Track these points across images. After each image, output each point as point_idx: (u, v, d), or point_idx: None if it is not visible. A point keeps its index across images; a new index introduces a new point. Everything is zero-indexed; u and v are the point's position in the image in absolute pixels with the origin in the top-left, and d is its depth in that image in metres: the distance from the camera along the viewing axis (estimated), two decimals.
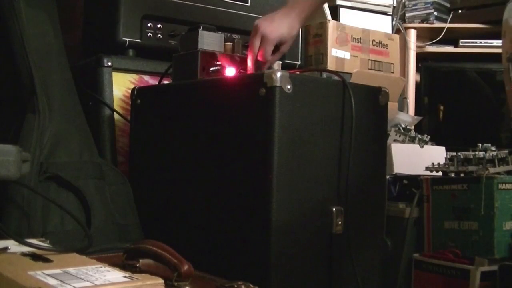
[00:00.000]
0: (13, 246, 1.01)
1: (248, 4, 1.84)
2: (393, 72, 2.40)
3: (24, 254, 0.95)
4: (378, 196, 1.30)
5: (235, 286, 0.92)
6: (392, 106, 2.14)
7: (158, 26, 1.67)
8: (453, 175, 1.53)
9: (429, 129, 2.75)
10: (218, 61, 1.34)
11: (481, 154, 1.50)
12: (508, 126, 2.80)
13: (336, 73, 1.63)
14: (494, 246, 1.40)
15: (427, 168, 1.61)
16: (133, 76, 1.64)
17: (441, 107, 3.02)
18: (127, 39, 1.61)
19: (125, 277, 0.82)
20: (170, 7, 1.68)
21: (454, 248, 1.46)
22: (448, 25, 2.90)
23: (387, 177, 1.54)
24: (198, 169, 1.27)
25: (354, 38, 2.26)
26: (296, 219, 1.13)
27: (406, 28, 2.91)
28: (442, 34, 2.90)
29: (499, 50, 1.60)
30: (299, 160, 1.13)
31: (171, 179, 1.35)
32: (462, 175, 1.52)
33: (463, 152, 1.54)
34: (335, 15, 2.35)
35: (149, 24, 1.65)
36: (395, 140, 1.94)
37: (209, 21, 1.62)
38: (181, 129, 1.33)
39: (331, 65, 2.16)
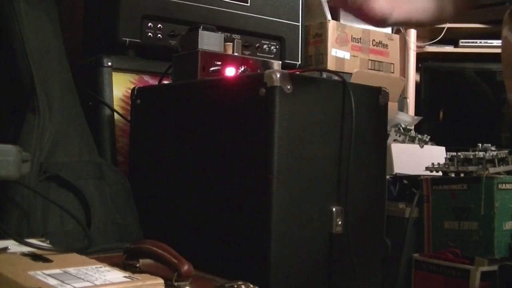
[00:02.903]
0: (13, 246, 1.01)
1: (248, 4, 1.84)
2: (393, 72, 2.40)
3: (24, 254, 0.95)
4: (378, 196, 1.30)
5: (235, 286, 0.92)
6: (392, 106, 2.14)
7: (158, 26, 1.66)
8: (453, 175, 1.53)
9: (429, 129, 2.75)
10: (218, 61, 1.34)
11: (481, 154, 1.50)
12: (509, 126, 2.80)
13: (336, 73, 1.63)
14: (494, 246, 1.40)
15: (427, 168, 1.61)
16: (133, 76, 1.64)
17: (441, 107, 3.02)
18: (127, 39, 1.61)
19: (125, 277, 0.82)
20: (170, 7, 1.68)
21: (454, 248, 1.46)
22: (448, 25, 2.90)
23: (387, 177, 1.54)
24: (198, 169, 1.27)
25: (354, 38, 2.26)
26: (296, 219, 1.12)
27: (406, 28, 2.92)
28: (442, 34, 2.90)
29: (499, 50, 1.60)
30: (299, 160, 1.13)
31: (171, 179, 1.35)
32: (462, 175, 1.52)
33: (463, 152, 1.54)
34: (335, 15, 2.34)
35: (149, 24, 1.65)
36: (395, 140, 1.94)
37: (209, 21, 1.62)
38: (181, 129, 1.33)
39: (331, 65, 2.16)
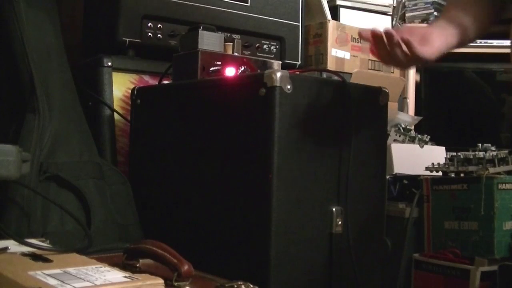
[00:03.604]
0: (13, 246, 1.01)
1: (248, 4, 1.84)
2: (393, 72, 2.40)
3: (24, 254, 0.95)
4: (378, 196, 1.30)
5: (235, 286, 0.92)
6: (392, 106, 2.14)
7: (158, 26, 1.66)
8: (453, 175, 1.53)
9: (429, 129, 2.75)
10: (218, 61, 1.34)
11: (481, 154, 1.50)
12: (509, 126, 2.80)
13: (336, 73, 1.63)
14: (494, 246, 1.39)
15: (427, 168, 1.61)
16: (133, 76, 1.64)
17: (441, 107, 3.02)
18: (127, 39, 1.61)
19: (125, 277, 0.82)
20: (170, 7, 1.68)
21: (454, 248, 1.46)
22: None
23: (387, 177, 1.54)
24: (198, 169, 1.27)
25: (354, 38, 2.26)
26: (296, 219, 1.13)
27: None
28: None
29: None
30: (299, 160, 1.13)
31: (171, 179, 1.35)
32: (462, 175, 1.52)
33: (463, 152, 1.54)
34: (335, 15, 2.34)
35: (149, 24, 1.65)
36: (395, 140, 1.94)
37: (209, 21, 1.62)
38: (181, 129, 1.33)
39: (331, 65, 2.16)
